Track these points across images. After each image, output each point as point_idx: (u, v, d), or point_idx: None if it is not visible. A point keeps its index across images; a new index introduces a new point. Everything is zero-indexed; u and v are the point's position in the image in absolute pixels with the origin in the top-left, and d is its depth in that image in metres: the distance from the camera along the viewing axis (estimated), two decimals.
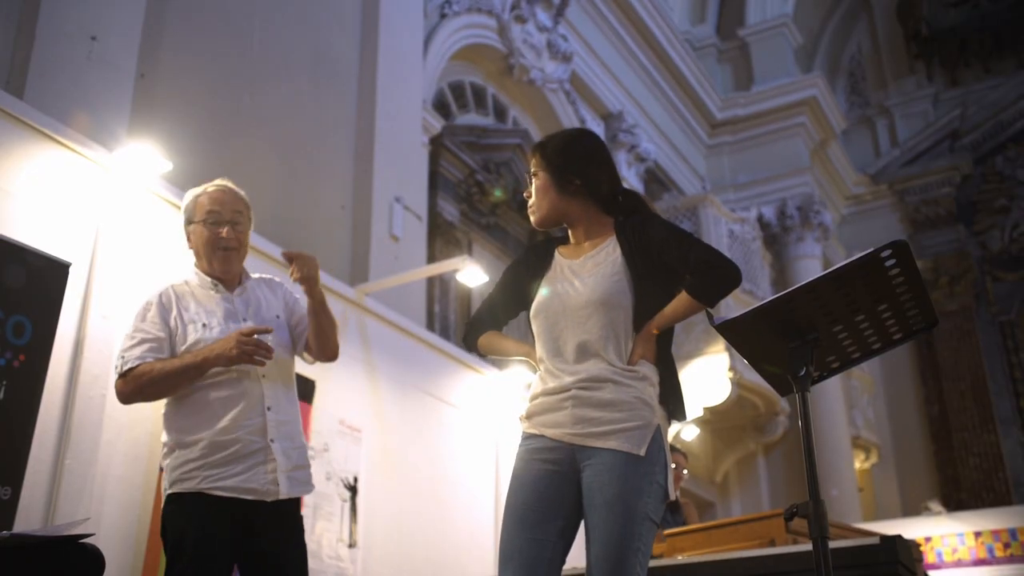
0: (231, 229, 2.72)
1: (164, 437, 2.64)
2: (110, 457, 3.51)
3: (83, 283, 3.51)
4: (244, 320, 2.70)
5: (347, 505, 4.58)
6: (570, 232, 2.37)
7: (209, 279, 2.74)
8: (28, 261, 3.08)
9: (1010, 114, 13.32)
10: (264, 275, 2.93)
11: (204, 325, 2.65)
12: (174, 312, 2.66)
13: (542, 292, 2.27)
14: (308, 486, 2.67)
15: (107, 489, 3.48)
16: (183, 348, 2.63)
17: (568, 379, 2.16)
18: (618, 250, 2.25)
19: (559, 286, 2.25)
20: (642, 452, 2.07)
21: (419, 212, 6.27)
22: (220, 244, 2.71)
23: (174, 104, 4.76)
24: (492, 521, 5.53)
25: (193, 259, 2.81)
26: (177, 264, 3.83)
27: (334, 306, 4.87)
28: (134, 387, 2.59)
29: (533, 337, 2.30)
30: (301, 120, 5.65)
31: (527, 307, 2.32)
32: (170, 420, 2.64)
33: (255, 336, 2.57)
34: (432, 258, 6.84)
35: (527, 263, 2.38)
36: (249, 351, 2.53)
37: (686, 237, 2.21)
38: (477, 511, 5.52)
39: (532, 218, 2.35)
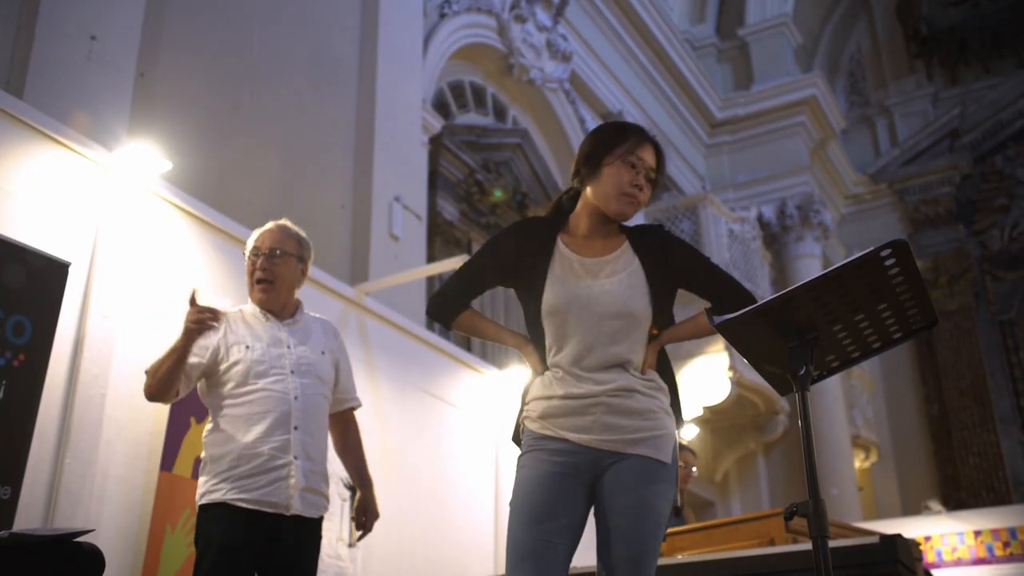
0: (265, 260, 2.92)
1: (202, 454, 2.82)
2: (110, 457, 3.51)
3: (83, 283, 3.51)
4: (289, 347, 2.87)
5: (347, 505, 4.57)
6: (580, 221, 2.32)
7: (260, 310, 2.94)
8: (28, 261, 3.09)
9: (1010, 113, 13.31)
10: (323, 317, 3.11)
11: (247, 347, 2.83)
12: (221, 333, 2.83)
13: (558, 288, 2.22)
14: (317, 510, 2.84)
15: (107, 489, 3.48)
16: (224, 367, 2.81)
17: (596, 387, 2.17)
18: (636, 261, 2.26)
19: (579, 287, 2.22)
20: (668, 460, 2.15)
21: (419, 212, 6.27)
22: (255, 276, 2.94)
23: (174, 104, 4.76)
24: (492, 521, 5.52)
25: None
26: (176, 263, 3.84)
27: (334, 306, 4.90)
28: (147, 381, 2.78)
29: (527, 327, 2.28)
30: (301, 120, 5.64)
31: (508, 284, 2.33)
32: (207, 438, 2.82)
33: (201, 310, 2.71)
34: (432, 258, 6.84)
35: (523, 241, 2.32)
36: (192, 318, 2.67)
37: (711, 266, 2.31)
38: (477, 511, 5.51)
39: (632, 209, 2.27)
